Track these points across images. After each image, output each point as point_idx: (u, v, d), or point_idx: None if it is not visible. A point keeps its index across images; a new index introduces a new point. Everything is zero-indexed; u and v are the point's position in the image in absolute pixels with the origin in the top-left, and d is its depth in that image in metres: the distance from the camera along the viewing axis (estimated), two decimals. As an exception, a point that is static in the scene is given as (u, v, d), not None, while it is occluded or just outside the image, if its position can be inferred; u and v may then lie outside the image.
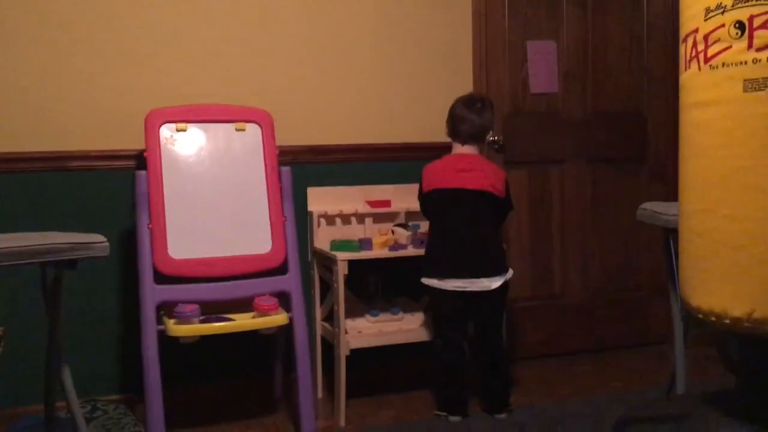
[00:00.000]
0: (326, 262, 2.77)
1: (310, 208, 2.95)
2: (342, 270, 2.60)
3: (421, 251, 2.70)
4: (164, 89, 2.77)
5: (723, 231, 1.41)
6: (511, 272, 2.67)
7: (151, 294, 2.38)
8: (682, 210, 1.56)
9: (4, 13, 2.60)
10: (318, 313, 2.92)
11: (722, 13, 1.39)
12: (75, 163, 2.70)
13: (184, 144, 2.54)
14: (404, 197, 3.00)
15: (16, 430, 2.48)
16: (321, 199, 2.95)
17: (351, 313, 2.76)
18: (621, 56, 3.46)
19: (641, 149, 3.52)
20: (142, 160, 2.52)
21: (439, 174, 2.69)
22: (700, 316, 1.49)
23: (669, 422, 1.65)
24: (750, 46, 1.35)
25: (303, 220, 2.90)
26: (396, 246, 2.75)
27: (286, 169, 2.65)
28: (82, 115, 2.71)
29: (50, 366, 2.10)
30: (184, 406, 2.76)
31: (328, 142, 3.00)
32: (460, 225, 2.62)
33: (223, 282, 2.44)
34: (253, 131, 2.63)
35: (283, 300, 2.50)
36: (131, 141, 2.70)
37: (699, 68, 1.45)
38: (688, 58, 1.49)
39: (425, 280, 2.66)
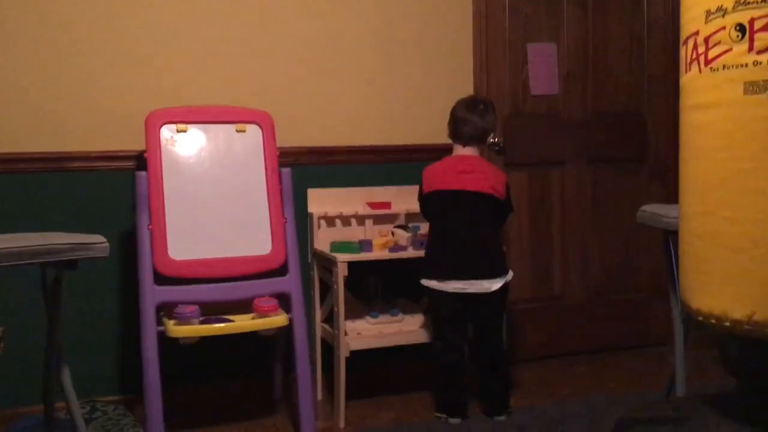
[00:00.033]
0: (326, 264, 2.77)
1: (310, 209, 2.94)
2: (342, 271, 2.60)
3: (421, 253, 2.70)
4: (164, 90, 2.77)
5: (723, 233, 1.41)
6: (511, 274, 2.67)
7: (151, 295, 2.37)
8: (683, 212, 1.56)
9: (4, 13, 2.60)
10: (318, 314, 2.92)
11: (723, 15, 1.39)
12: (75, 164, 2.70)
13: (185, 145, 2.54)
14: (404, 199, 3.00)
15: (15, 431, 2.48)
16: (321, 201, 2.95)
17: (351, 315, 2.76)
18: (621, 56, 3.46)
19: (641, 150, 3.52)
20: (142, 161, 2.52)
21: (439, 175, 2.68)
22: (700, 318, 1.49)
23: (669, 424, 1.65)
24: (751, 48, 1.35)
25: (303, 221, 2.90)
26: (396, 248, 2.75)
27: (286, 171, 2.64)
28: (83, 115, 2.71)
29: (49, 366, 2.10)
30: (183, 406, 2.76)
31: (329, 143, 3.00)
32: (460, 227, 2.62)
33: (223, 283, 2.44)
34: (253, 132, 2.63)
35: (283, 301, 2.50)
36: (131, 142, 2.70)
37: (699, 70, 1.45)
38: (688, 60, 1.49)
39: (425, 282, 2.66)
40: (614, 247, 3.50)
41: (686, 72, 1.51)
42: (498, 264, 2.64)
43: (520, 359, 3.31)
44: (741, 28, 1.36)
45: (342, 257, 2.61)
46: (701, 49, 1.44)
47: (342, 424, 2.66)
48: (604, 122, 3.45)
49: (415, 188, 2.80)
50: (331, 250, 2.72)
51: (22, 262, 1.80)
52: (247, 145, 2.61)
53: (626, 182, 3.50)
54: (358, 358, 2.67)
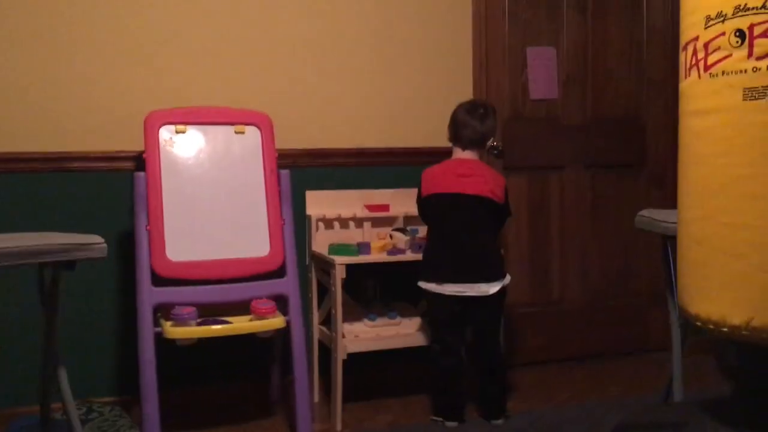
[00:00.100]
0: (324, 266, 2.77)
1: (308, 211, 2.94)
2: (340, 274, 2.59)
3: (420, 256, 2.70)
4: (164, 90, 2.77)
5: (722, 239, 1.41)
6: (508, 278, 2.67)
7: (149, 296, 2.37)
8: (682, 217, 1.56)
9: (4, 13, 2.60)
10: (315, 316, 2.92)
11: (722, 21, 1.39)
12: (74, 164, 2.70)
13: (183, 146, 2.54)
14: (403, 202, 3.00)
15: (12, 431, 2.47)
16: (320, 203, 2.95)
17: (348, 317, 2.76)
18: (621, 61, 3.47)
19: (640, 155, 3.52)
20: (141, 162, 2.52)
21: (438, 178, 2.68)
22: (699, 323, 1.49)
23: (667, 429, 1.65)
24: (750, 54, 1.35)
25: (301, 223, 2.90)
26: (394, 250, 2.75)
27: (285, 173, 2.64)
28: (82, 115, 2.71)
29: (46, 367, 2.10)
30: (180, 408, 2.75)
31: (328, 145, 3.00)
32: (459, 230, 2.62)
33: (221, 285, 2.44)
34: (252, 134, 2.63)
35: (281, 303, 2.49)
36: (131, 142, 2.70)
37: (699, 76, 1.45)
38: (688, 65, 1.49)
39: (423, 284, 2.65)
40: (613, 252, 3.50)
41: (686, 77, 1.51)
42: (496, 267, 2.64)
43: (518, 363, 3.31)
44: (740, 33, 1.36)
45: (340, 260, 2.61)
46: (701, 55, 1.44)
47: (339, 426, 2.65)
48: (604, 127, 3.45)
49: (414, 191, 2.80)
50: (329, 253, 2.71)
51: (20, 262, 1.80)
52: (245, 146, 2.61)
53: (625, 187, 3.50)
54: (355, 360, 2.67)
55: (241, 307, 2.44)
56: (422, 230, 2.85)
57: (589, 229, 3.46)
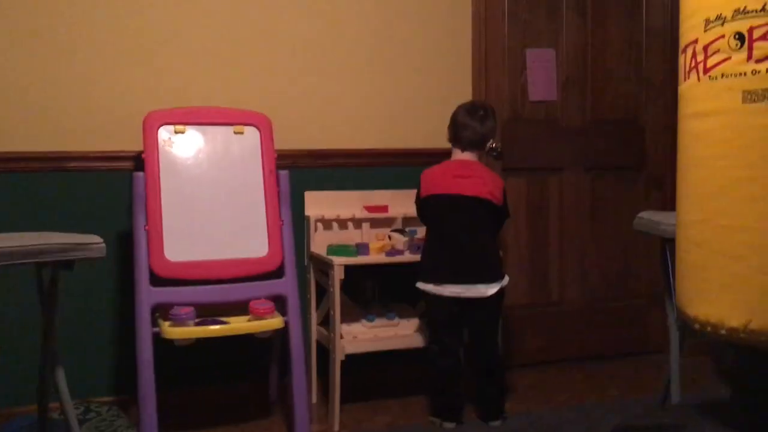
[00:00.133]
0: (323, 267, 2.77)
1: (307, 212, 2.94)
2: (338, 275, 2.59)
3: (418, 257, 2.70)
4: (164, 90, 2.77)
5: (721, 241, 1.41)
6: (507, 279, 2.67)
7: (147, 296, 2.37)
8: (680, 220, 1.56)
9: (4, 12, 2.60)
10: (314, 317, 2.92)
11: (722, 24, 1.39)
12: (73, 164, 2.70)
13: (182, 146, 2.54)
14: (402, 203, 3.00)
15: (9, 431, 2.47)
16: (318, 204, 2.95)
17: (347, 318, 2.76)
18: (620, 63, 3.47)
19: (639, 157, 3.52)
20: (140, 162, 2.52)
21: (437, 179, 2.68)
22: (697, 325, 1.49)
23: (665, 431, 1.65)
24: (749, 57, 1.35)
25: (300, 224, 2.90)
26: (393, 251, 2.75)
27: (284, 173, 2.64)
28: (81, 115, 2.70)
29: (44, 367, 2.09)
30: (178, 408, 2.75)
31: (327, 146, 3.00)
32: (458, 231, 2.62)
33: (219, 285, 2.44)
34: (251, 134, 2.63)
35: (279, 304, 2.49)
36: (130, 142, 2.69)
37: (698, 79, 1.45)
38: (687, 68, 1.49)
39: (421, 285, 2.65)
40: (612, 254, 3.50)
41: (685, 80, 1.51)
42: (495, 269, 2.64)
43: (517, 365, 3.31)
44: (740, 36, 1.36)
45: (339, 260, 2.61)
46: (700, 58, 1.44)
47: (337, 427, 2.65)
48: (603, 129, 3.45)
49: (413, 192, 2.80)
50: (328, 253, 2.71)
51: (19, 261, 1.79)
52: (244, 147, 2.61)
53: (624, 189, 3.50)
54: (353, 361, 2.67)
55: (240, 308, 2.43)
56: (421, 231, 2.85)
57: (588, 231, 3.46)
